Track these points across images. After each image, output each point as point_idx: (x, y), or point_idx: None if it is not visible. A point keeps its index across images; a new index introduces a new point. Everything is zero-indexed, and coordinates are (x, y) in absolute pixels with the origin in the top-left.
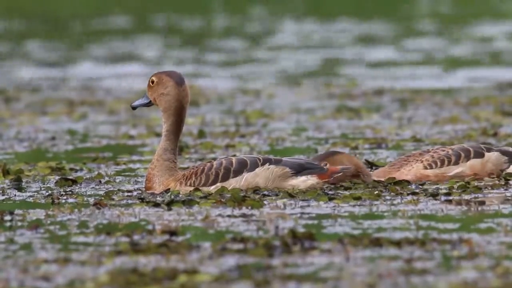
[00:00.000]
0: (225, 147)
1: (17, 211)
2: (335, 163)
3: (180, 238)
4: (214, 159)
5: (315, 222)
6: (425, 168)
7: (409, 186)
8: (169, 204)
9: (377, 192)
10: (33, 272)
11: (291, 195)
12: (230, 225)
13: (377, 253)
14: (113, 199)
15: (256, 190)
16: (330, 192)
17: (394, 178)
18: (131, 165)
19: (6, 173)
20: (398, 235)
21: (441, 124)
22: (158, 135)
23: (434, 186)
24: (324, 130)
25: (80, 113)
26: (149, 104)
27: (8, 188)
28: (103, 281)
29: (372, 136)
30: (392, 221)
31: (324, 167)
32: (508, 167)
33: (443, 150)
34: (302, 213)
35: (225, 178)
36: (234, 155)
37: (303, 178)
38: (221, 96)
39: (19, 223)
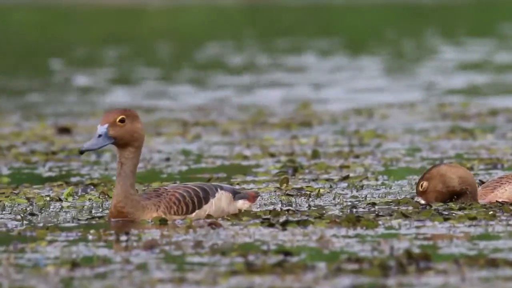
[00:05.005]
0: (339, 167)
1: (132, 231)
2: (432, 179)
3: (295, 258)
4: (157, 188)
5: (430, 242)
6: None
7: None
8: (284, 224)
9: (492, 212)
10: None
11: (405, 215)
12: (345, 245)
13: (493, 274)
14: (227, 219)
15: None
16: (444, 213)
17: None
18: (245, 186)
19: None
20: None
21: None
22: (273, 155)
23: None
24: (438, 151)
25: (194, 134)
26: (111, 144)
27: None
28: None
29: (487, 157)
30: (508, 242)
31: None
32: None
33: None
34: (417, 233)
35: (200, 205)
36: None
37: (241, 201)
38: (334, 116)
39: (135, 243)
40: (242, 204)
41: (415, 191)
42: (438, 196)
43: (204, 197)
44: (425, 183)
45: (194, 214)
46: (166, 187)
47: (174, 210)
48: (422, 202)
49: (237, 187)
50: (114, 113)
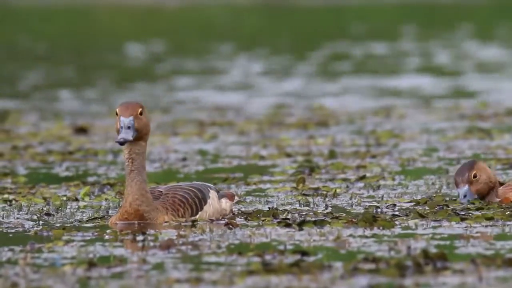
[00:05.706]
0: (356, 167)
1: (149, 231)
2: (481, 170)
3: (311, 258)
4: (152, 191)
5: (447, 242)
6: None
7: None
8: (301, 224)
9: (508, 212)
10: None
11: (422, 215)
12: (362, 245)
13: (510, 274)
14: (245, 219)
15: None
16: (461, 213)
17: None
18: (262, 185)
19: None
20: None
21: None
22: (289, 155)
23: None
24: (455, 151)
25: (210, 134)
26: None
27: None
28: None
29: (505, 157)
30: None
31: (231, 191)
32: None
33: None
34: (434, 233)
35: (201, 206)
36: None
37: (223, 200)
38: (351, 116)
39: (151, 243)
40: (225, 202)
41: (454, 182)
42: (484, 188)
43: (202, 198)
44: (478, 173)
45: (197, 216)
46: (159, 189)
47: (181, 213)
48: (464, 194)
49: (253, 187)
50: (135, 106)
